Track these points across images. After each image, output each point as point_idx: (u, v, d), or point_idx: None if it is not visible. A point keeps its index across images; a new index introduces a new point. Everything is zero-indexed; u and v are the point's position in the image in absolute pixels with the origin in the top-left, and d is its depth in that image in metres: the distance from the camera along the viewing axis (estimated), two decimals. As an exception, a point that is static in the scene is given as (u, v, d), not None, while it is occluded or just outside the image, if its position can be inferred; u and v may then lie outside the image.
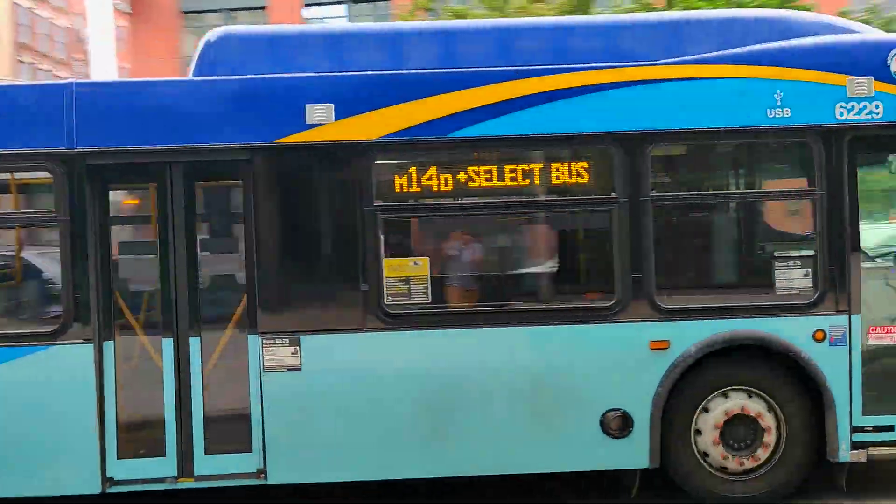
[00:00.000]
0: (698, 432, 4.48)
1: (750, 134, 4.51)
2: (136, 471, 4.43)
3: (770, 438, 4.47)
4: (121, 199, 4.94)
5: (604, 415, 4.44)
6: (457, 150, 4.50)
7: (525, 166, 4.47)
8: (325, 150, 4.45)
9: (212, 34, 4.80)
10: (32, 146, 4.38)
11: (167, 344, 4.46)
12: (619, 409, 4.45)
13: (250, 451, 4.44)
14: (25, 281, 4.89)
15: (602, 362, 4.46)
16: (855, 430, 4.45)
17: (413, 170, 4.46)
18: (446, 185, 4.45)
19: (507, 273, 4.82)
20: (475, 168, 4.45)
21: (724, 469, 4.51)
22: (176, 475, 4.45)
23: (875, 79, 4.44)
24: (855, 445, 4.43)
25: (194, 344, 4.45)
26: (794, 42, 4.56)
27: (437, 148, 4.48)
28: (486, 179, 4.45)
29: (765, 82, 4.45)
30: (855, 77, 4.44)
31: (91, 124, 4.37)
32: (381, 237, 4.41)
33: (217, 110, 4.44)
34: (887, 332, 4.53)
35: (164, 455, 4.43)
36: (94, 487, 4.33)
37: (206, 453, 4.44)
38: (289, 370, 4.42)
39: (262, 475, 4.41)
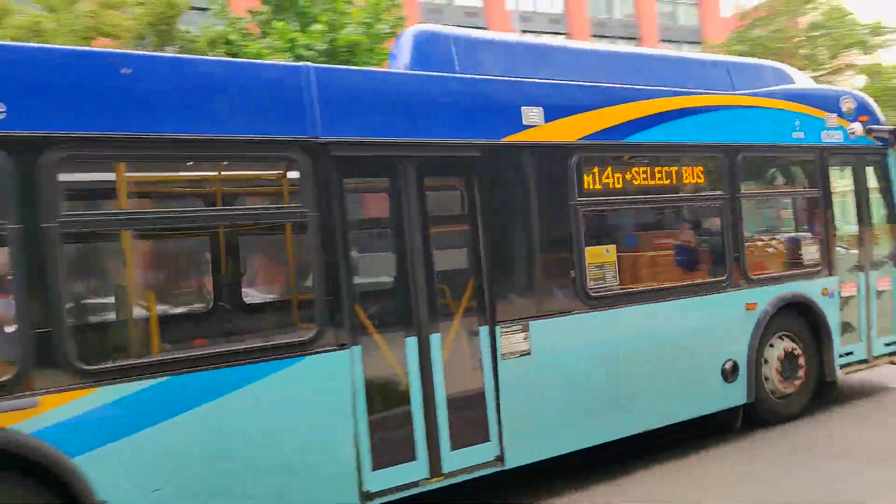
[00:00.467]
0: (766, 366, 6.01)
1: (785, 149, 6.28)
2: (390, 479, 4.20)
3: (803, 370, 6.24)
4: (356, 194, 4.54)
5: (723, 365, 5.71)
6: (633, 151, 5.32)
7: (668, 168, 5.50)
8: (538, 149, 4.85)
9: (417, 31, 4.77)
10: (271, 132, 3.88)
11: (411, 342, 4.34)
12: (731, 359, 5.77)
13: (488, 440, 4.57)
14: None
15: (721, 323, 5.73)
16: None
17: (602, 168, 5.13)
18: (622, 181, 5.24)
19: (662, 257, 5.74)
20: (644, 168, 5.33)
21: (776, 392, 6.10)
22: (428, 476, 4.35)
23: (837, 115, 6.58)
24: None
25: (434, 340, 4.41)
26: (800, 86, 6.51)
27: (619, 150, 5.25)
28: (650, 178, 5.37)
29: (792, 113, 6.26)
30: (829, 113, 6.54)
31: (334, 112, 4.05)
32: (582, 228, 4.98)
33: (452, 106, 4.51)
34: (849, 287, 6.68)
35: (414, 458, 4.30)
36: (353, 504, 3.98)
37: (451, 449, 4.43)
38: (521, 355, 4.69)
39: (500, 462, 4.58)
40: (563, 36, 32.75)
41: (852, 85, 26.93)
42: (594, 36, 33.76)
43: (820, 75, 26.17)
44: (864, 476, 4.80)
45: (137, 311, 3.95)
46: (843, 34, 24.15)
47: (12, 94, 3.09)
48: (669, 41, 39.61)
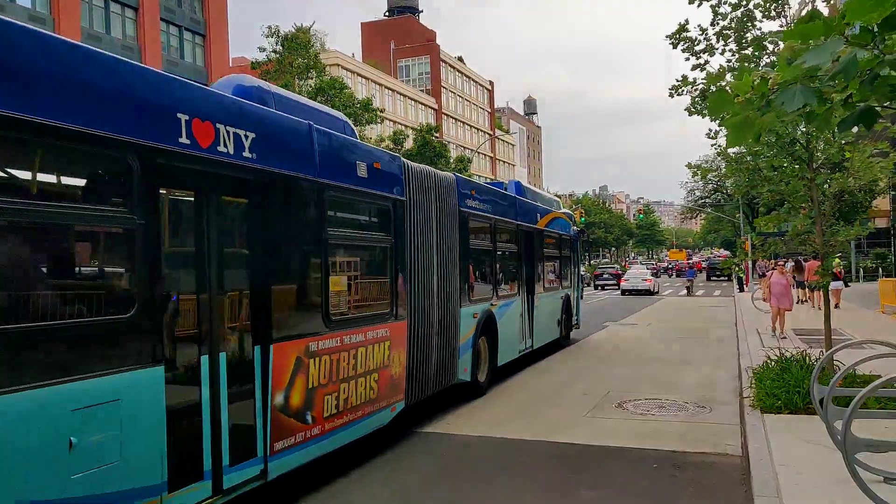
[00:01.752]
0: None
1: (565, 237, 12.71)
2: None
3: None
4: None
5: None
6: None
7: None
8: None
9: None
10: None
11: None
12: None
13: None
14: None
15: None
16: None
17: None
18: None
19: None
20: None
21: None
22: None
23: (572, 221, 14.06)
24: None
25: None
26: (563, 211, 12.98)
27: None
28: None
29: (565, 221, 13.49)
30: (570, 219, 12.90)
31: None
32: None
33: None
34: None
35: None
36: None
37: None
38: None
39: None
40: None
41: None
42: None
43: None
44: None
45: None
46: (343, 102, 28.42)
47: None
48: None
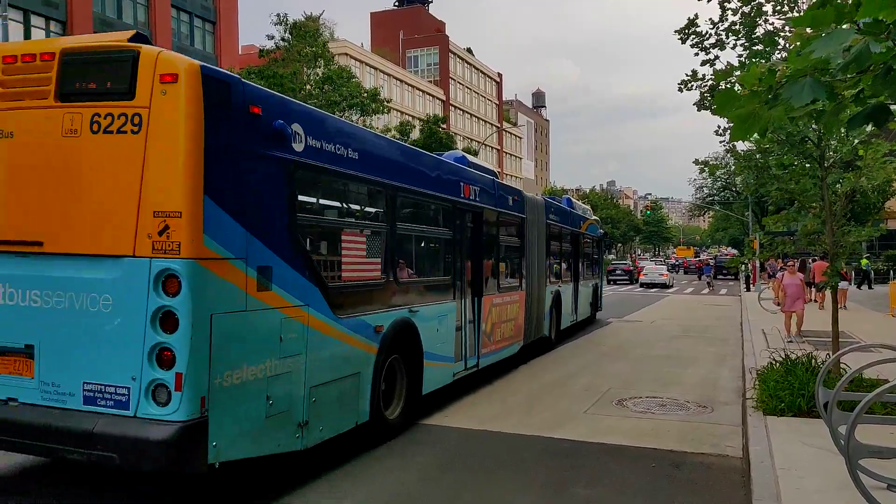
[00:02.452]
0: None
1: (592, 236, 16.90)
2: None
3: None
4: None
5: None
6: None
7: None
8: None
9: None
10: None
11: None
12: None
13: None
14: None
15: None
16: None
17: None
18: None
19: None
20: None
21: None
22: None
23: (598, 224, 17.79)
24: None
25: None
26: (594, 217, 18.29)
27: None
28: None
29: (594, 226, 17.76)
30: (597, 224, 15.73)
31: None
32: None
33: None
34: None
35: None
36: None
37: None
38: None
39: None
40: (63, 25, 28.94)
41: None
42: (97, 32, 30.85)
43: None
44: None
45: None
46: (350, 92, 28.33)
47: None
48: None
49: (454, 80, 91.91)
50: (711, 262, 66.13)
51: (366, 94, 28.82)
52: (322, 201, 5.84)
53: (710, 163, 9.70)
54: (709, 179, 62.63)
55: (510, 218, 10.87)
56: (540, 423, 7.94)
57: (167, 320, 3.99)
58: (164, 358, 3.99)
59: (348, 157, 5.84)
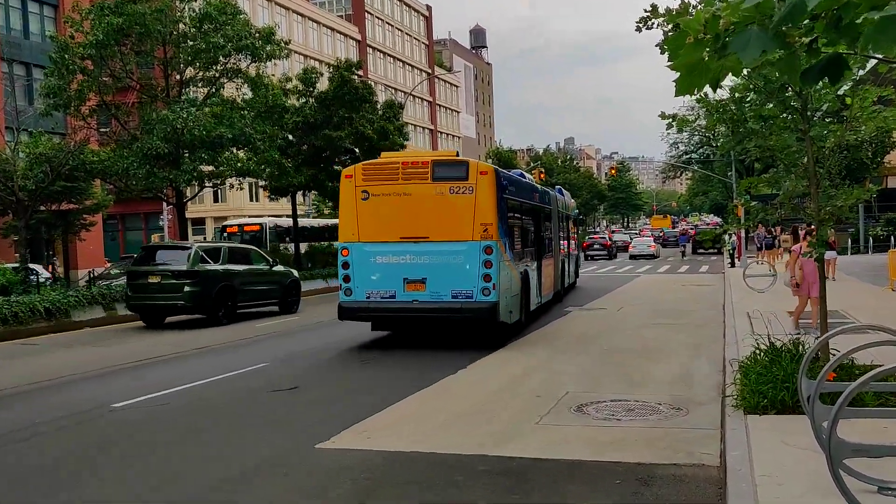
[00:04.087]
0: None
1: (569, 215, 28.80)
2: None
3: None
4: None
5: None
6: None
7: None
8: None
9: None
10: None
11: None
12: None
13: None
14: None
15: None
16: None
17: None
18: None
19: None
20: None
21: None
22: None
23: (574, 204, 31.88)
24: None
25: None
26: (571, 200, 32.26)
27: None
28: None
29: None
30: (573, 204, 31.42)
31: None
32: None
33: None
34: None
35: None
36: None
37: None
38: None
39: None
40: None
41: (240, 94, 31.07)
42: None
43: (211, 75, 29.34)
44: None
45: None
46: (237, 32, 27.72)
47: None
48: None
49: (371, 14, 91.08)
50: (691, 231, 71.25)
51: (257, 35, 28.32)
52: (510, 213, 16.61)
53: (679, 116, 10.01)
54: (684, 134, 64.39)
55: (549, 210, 22.78)
56: (482, 438, 8.14)
57: (486, 264, 14.62)
58: (487, 278, 14.62)
59: (517, 194, 17.60)
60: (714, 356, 13.08)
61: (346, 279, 15.38)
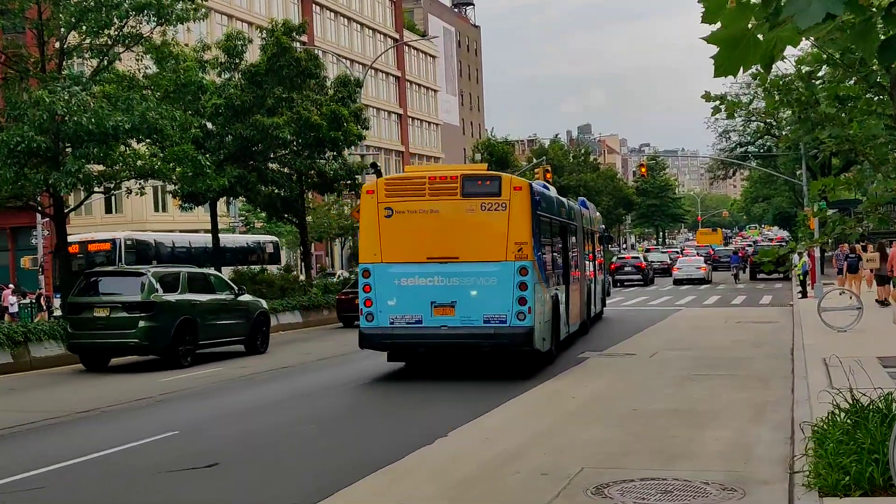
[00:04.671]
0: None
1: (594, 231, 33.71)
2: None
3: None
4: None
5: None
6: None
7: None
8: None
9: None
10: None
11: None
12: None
13: None
14: None
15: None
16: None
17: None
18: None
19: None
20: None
21: None
22: None
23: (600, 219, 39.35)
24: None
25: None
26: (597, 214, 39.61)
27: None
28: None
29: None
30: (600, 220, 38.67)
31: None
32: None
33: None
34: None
35: None
36: None
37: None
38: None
39: None
40: None
41: (141, 68, 30.83)
42: None
43: (103, 43, 29.19)
44: None
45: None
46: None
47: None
48: None
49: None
50: (749, 248, 73.31)
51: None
52: (543, 230, 20.56)
53: (729, 99, 10.14)
54: (738, 120, 64.83)
55: (574, 227, 26.72)
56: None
57: (521, 286, 17.55)
58: (522, 301, 17.50)
59: (548, 210, 21.54)
60: (779, 419, 13.14)
61: (368, 303, 17.96)
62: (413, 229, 17.80)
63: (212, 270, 28.68)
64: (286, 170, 38.37)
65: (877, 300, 30.59)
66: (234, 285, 26.58)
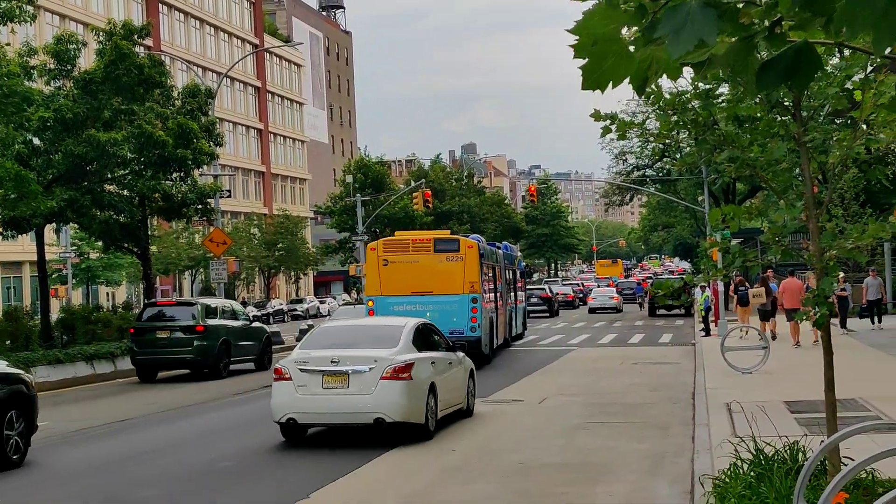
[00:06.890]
0: None
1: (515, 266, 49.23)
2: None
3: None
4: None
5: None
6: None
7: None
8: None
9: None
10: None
11: None
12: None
13: None
14: None
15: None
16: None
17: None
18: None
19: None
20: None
21: None
22: None
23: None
24: None
25: None
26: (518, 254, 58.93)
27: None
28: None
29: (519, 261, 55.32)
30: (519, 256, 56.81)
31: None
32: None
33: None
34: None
35: None
36: None
37: None
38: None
39: None
40: None
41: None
42: None
43: None
44: None
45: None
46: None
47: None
48: None
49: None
50: (650, 278, 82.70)
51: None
52: (484, 272, 37.17)
53: (620, 118, 10.26)
54: (634, 140, 65.53)
55: (500, 266, 41.07)
56: None
57: (473, 310, 33.54)
58: (473, 320, 33.56)
59: (488, 258, 38.13)
60: (679, 471, 13.35)
61: None
62: (402, 273, 32.20)
63: (234, 302, 42.30)
64: (126, 192, 37.46)
65: (768, 332, 30.90)
66: (247, 313, 38.70)
